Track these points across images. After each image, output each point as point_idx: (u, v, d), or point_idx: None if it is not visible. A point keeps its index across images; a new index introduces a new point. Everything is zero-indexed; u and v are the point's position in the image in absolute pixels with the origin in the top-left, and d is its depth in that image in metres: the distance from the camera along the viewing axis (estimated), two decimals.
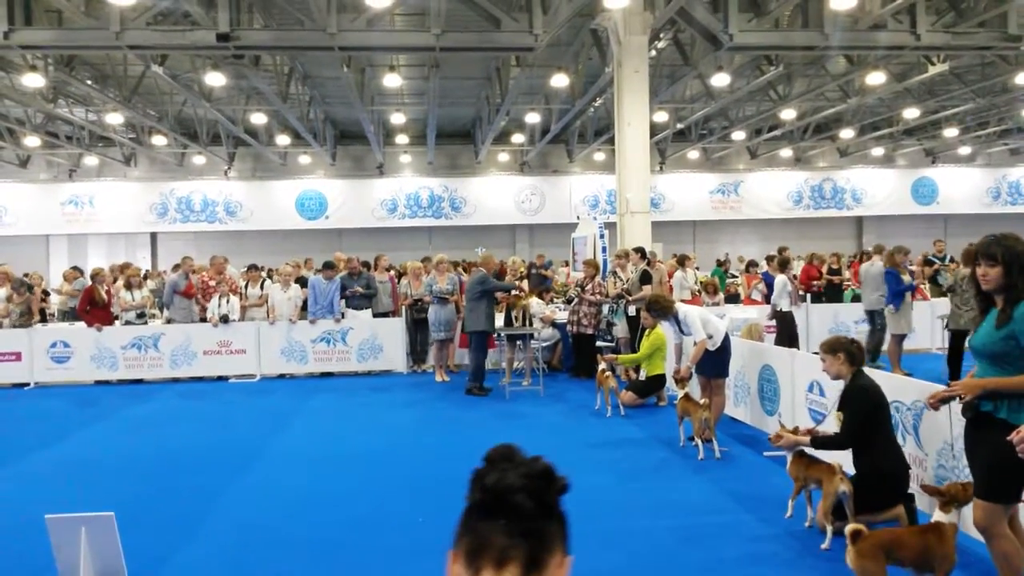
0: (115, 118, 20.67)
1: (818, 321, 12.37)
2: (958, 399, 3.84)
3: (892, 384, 5.20)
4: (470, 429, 8.46)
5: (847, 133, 25.47)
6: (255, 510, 5.87)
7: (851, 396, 4.93)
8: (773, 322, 12.09)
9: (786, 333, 11.70)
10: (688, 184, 28.97)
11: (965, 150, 28.95)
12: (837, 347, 5.03)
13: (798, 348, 10.91)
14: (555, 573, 1.23)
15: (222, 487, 6.43)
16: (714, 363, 7.41)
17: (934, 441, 4.95)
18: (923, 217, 29.00)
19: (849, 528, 3.93)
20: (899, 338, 11.06)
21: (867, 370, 5.06)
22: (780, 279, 12.05)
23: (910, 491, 4.85)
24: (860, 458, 4.90)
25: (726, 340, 7.47)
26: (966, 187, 29.79)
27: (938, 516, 3.93)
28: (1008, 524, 3.64)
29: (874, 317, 11.62)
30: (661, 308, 7.64)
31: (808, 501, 5.20)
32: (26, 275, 13.47)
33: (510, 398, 10.17)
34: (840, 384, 5.13)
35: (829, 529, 4.75)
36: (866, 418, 4.82)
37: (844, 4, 12.25)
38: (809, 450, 5.20)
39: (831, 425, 5.25)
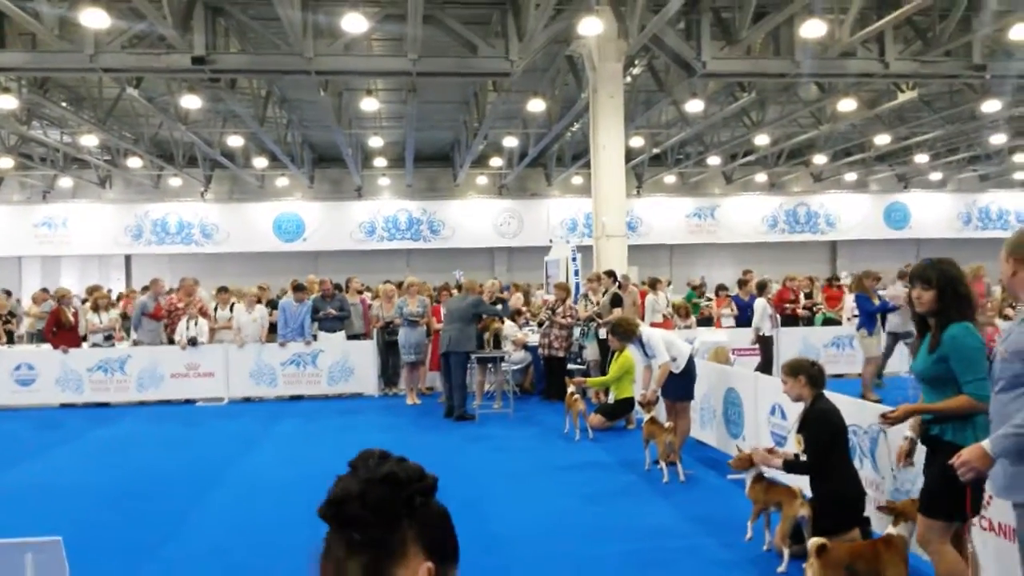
0: (90, 140, 20.57)
1: (787, 344, 12.44)
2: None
3: (849, 408, 5.23)
4: (438, 452, 8.39)
5: (820, 159, 25.81)
6: (215, 536, 5.78)
7: (813, 419, 4.95)
8: (756, 346, 12.15)
9: (768, 357, 11.77)
10: (665, 208, 29.19)
11: (936, 176, 29.40)
12: (798, 369, 5.06)
13: (771, 372, 10.99)
14: None
15: (183, 513, 6.33)
16: (679, 386, 7.42)
17: (889, 464, 4.97)
18: (896, 241, 29.35)
19: (813, 542, 3.98)
20: (872, 361, 11.10)
21: (826, 393, 5.09)
22: (760, 303, 12.12)
23: (866, 514, 4.86)
24: (819, 481, 4.91)
25: (691, 363, 7.48)
26: (938, 212, 30.23)
27: (890, 529, 3.98)
28: (954, 542, 3.67)
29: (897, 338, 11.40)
30: (624, 331, 7.65)
31: (767, 525, 5.20)
32: None
33: (480, 421, 10.12)
34: (800, 406, 5.15)
35: (786, 552, 4.75)
36: (829, 441, 4.84)
37: (814, 32, 12.49)
38: (768, 473, 5.21)
39: (791, 447, 5.26)
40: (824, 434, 4.84)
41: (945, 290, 3.64)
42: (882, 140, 22.59)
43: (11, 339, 13.25)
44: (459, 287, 12.62)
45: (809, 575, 3.90)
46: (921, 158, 25.63)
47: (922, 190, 30.41)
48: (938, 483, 3.57)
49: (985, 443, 3.08)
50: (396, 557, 1.17)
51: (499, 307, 11.43)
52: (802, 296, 14.18)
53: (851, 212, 30.00)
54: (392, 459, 1.28)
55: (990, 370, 3.31)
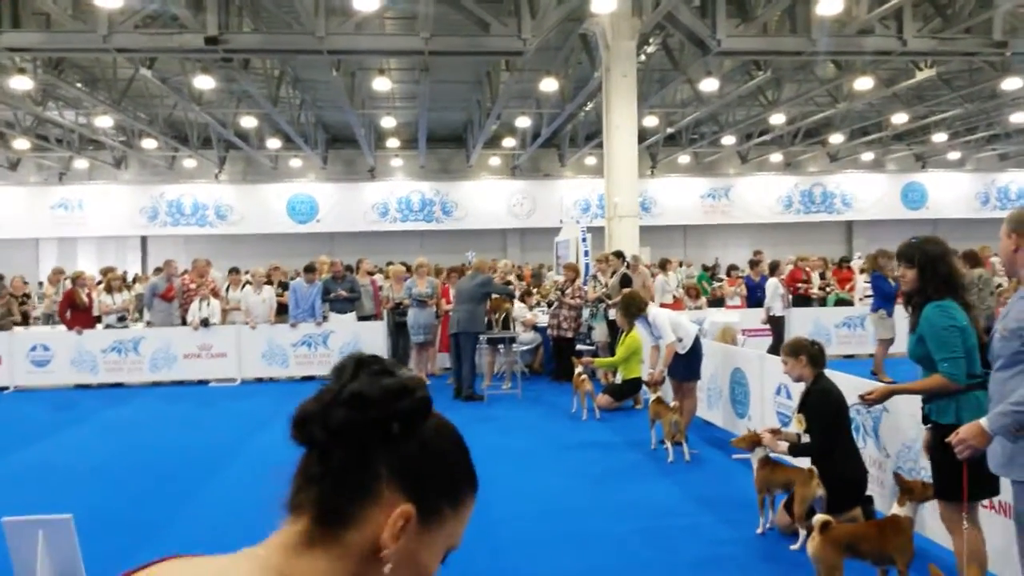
0: (105, 121, 20.68)
1: (799, 324, 12.37)
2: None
3: (853, 386, 5.19)
4: None
5: (837, 138, 25.53)
6: (223, 515, 5.84)
7: (815, 399, 4.93)
8: (767, 326, 12.11)
9: (777, 337, 11.71)
10: (678, 188, 29.02)
11: (954, 155, 29.04)
12: (799, 349, 5.03)
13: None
14: (376, 526, 0.94)
15: (192, 491, 6.41)
16: (685, 366, 7.40)
17: (894, 443, 4.96)
18: (913, 222, 28.97)
19: (818, 518, 3.98)
20: (886, 343, 11.01)
21: (829, 373, 5.06)
22: (772, 283, 12.07)
23: (868, 493, 4.84)
24: (821, 461, 4.89)
25: (697, 343, 7.45)
26: (955, 192, 29.88)
27: (895, 510, 3.95)
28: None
29: None
30: (633, 307, 7.63)
31: (771, 506, 5.19)
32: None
33: (488, 401, 10.16)
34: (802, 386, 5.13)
35: (802, 532, 4.70)
36: (832, 420, 4.83)
37: (831, 9, 12.29)
38: (773, 455, 5.20)
39: (793, 427, 5.24)
40: (827, 413, 4.82)
41: (925, 268, 3.65)
42: (900, 119, 22.33)
43: (27, 320, 13.38)
44: (462, 269, 12.64)
45: (810, 551, 3.91)
46: (939, 137, 25.28)
47: (940, 170, 30.05)
48: (936, 463, 3.57)
49: (983, 420, 3.07)
50: (362, 495, 0.95)
51: (510, 287, 11.41)
52: (816, 276, 14.07)
53: (867, 192, 29.71)
54: (378, 370, 1.00)
55: (989, 348, 3.29)
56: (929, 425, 3.72)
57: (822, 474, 4.83)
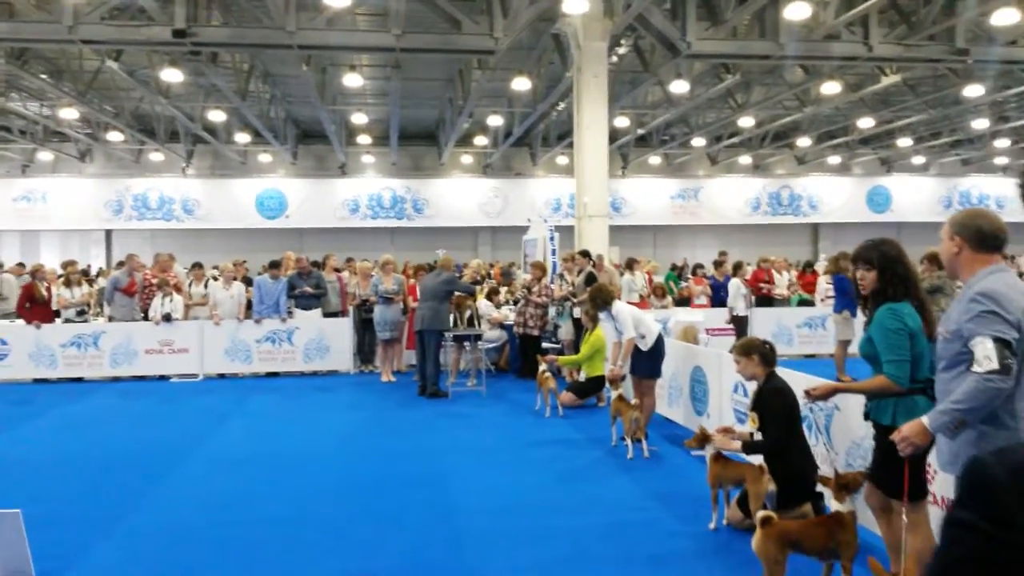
0: (70, 113, 20.32)
1: (761, 324, 12.53)
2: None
3: (804, 384, 5.27)
4: (409, 428, 8.45)
5: (804, 141, 25.83)
6: (177, 510, 5.79)
7: (769, 398, 4.99)
8: (731, 326, 12.24)
9: (740, 336, 11.83)
10: (649, 189, 29.19)
11: (919, 160, 29.52)
12: (751, 349, 5.10)
13: None
14: None
15: (147, 487, 6.34)
16: (646, 364, 7.45)
17: (844, 441, 5.04)
18: (877, 225, 29.43)
19: (760, 514, 4.02)
20: (844, 344, 11.19)
21: (778, 371, 5.13)
22: (734, 283, 12.19)
23: (819, 489, 4.91)
24: (773, 457, 4.96)
25: (659, 342, 7.52)
26: (919, 196, 30.37)
27: (835, 506, 4.01)
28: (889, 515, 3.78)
29: None
30: (600, 299, 7.70)
31: (726, 501, 5.25)
32: None
33: (453, 398, 10.16)
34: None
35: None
36: (786, 417, 4.89)
37: (799, 14, 12.44)
38: (725, 452, 5.26)
39: (748, 426, 5.31)
40: (780, 411, 4.88)
41: (885, 270, 3.71)
42: (866, 123, 22.64)
43: None
44: (432, 266, 12.62)
45: (753, 546, 3.96)
46: (904, 142, 25.70)
47: (905, 174, 30.54)
48: (876, 459, 3.65)
49: (924, 418, 3.14)
50: None
51: (474, 286, 11.40)
52: (784, 277, 14.22)
53: (834, 195, 30.11)
54: None
55: (934, 351, 3.37)
56: (870, 422, 3.81)
57: (773, 470, 4.90)
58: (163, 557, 4.87)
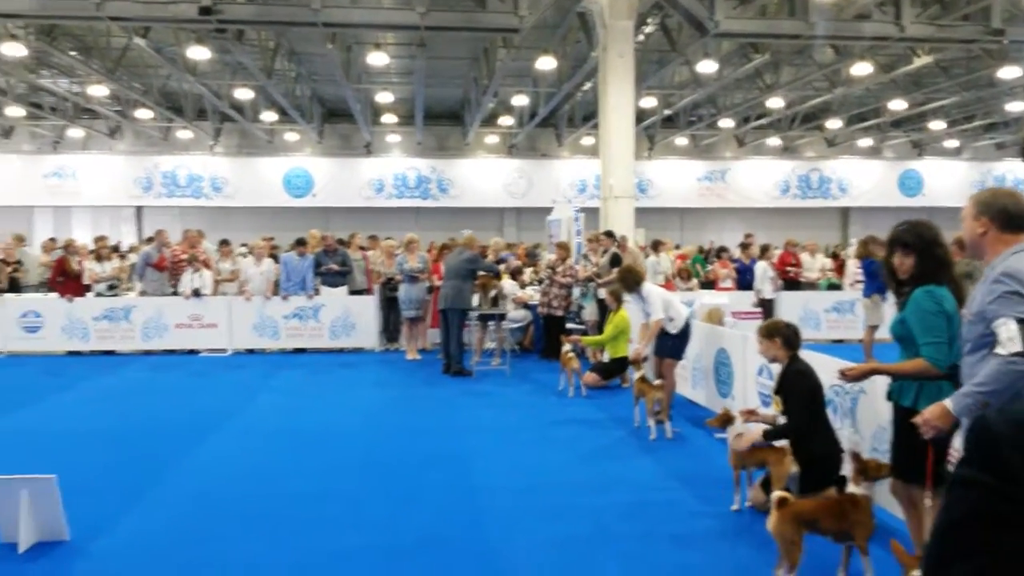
0: (99, 90, 20.48)
1: (788, 308, 12.44)
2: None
3: (831, 368, 5.24)
4: (433, 407, 8.52)
5: (834, 123, 25.45)
6: (205, 481, 5.91)
7: (792, 381, 4.98)
8: (759, 309, 12.16)
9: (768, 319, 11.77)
10: (675, 171, 28.96)
11: (952, 143, 28.99)
12: (774, 331, 5.08)
13: None
14: None
15: (176, 458, 6.47)
16: (671, 345, 7.47)
17: (870, 425, 5.02)
18: (908, 209, 29.01)
19: (776, 495, 4.03)
20: (873, 328, 11.09)
21: (802, 354, 5.10)
22: (761, 266, 12.11)
23: (842, 474, 4.90)
24: (797, 440, 4.95)
25: (687, 326, 7.55)
26: (952, 180, 29.83)
27: (851, 488, 4.02)
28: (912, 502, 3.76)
29: None
30: (631, 280, 7.74)
31: (748, 482, 5.26)
32: None
33: (477, 377, 10.22)
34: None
35: None
36: (809, 400, 4.88)
37: None
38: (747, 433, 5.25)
39: (772, 408, 5.30)
40: (804, 394, 4.87)
41: (923, 253, 3.66)
42: (897, 105, 22.25)
43: (16, 287, 13.37)
44: (453, 246, 12.65)
45: (769, 526, 3.97)
46: (937, 125, 25.23)
47: (937, 157, 30.02)
48: (896, 443, 3.64)
49: (947, 401, 3.11)
50: None
51: (499, 265, 11.39)
52: (819, 259, 14.10)
53: (864, 178, 29.68)
54: None
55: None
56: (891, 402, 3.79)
57: (796, 453, 4.89)
58: (191, 526, 4.98)
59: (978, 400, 2.95)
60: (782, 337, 5.01)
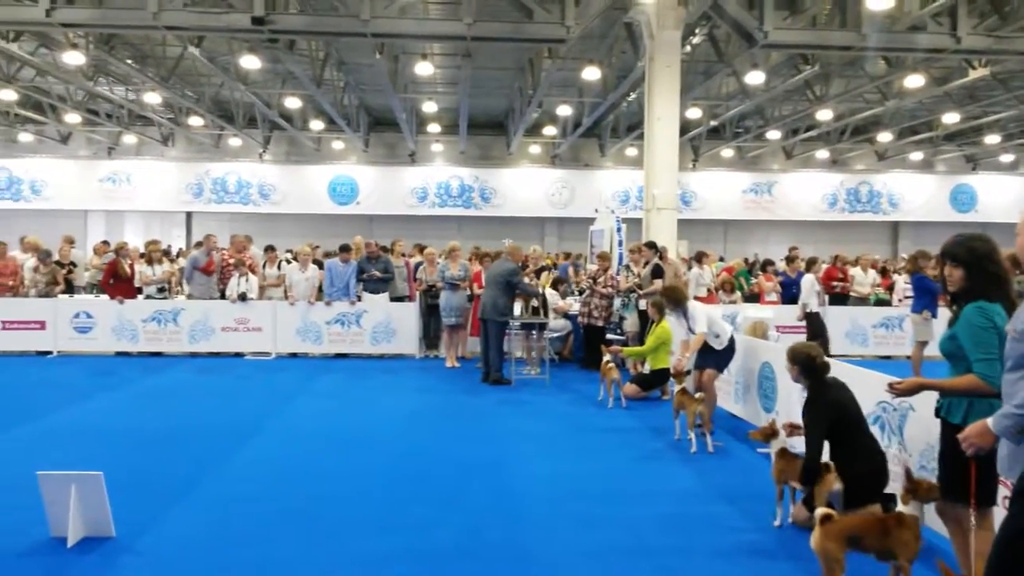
0: (153, 98, 21.09)
1: (835, 323, 12.21)
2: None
3: (878, 384, 5.12)
4: (471, 414, 8.53)
5: (885, 136, 25.00)
6: (247, 481, 5.98)
7: (806, 410, 4.94)
8: (802, 323, 11.96)
9: (814, 334, 11.57)
10: (721, 182, 28.71)
11: (1007, 158, 28.27)
12: (793, 358, 5.06)
13: (828, 349, 10.82)
14: None
15: (220, 458, 6.56)
16: (714, 359, 7.44)
17: (918, 442, 4.89)
18: (961, 225, 28.31)
19: (820, 511, 3.96)
20: (922, 345, 10.84)
21: (849, 370, 4.99)
22: (808, 279, 11.92)
23: (890, 491, 4.78)
24: (837, 457, 4.87)
25: (731, 342, 7.53)
26: (1007, 196, 29.08)
27: (901, 507, 3.92)
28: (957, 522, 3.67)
29: None
30: (674, 299, 7.80)
31: (791, 499, 5.15)
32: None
33: (516, 386, 10.21)
34: None
35: None
36: (829, 428, 4.80)
37: (882, 4, 12.02)
38: (792, 447, 5.17)
39: None
40: (815, 422, 4.81)
41: (972, 267, 3.57)
42: (951, 119, 21.80)
43: (71, 289, 13.75)
44: (487, 254, 12.71)
45: (812, 543, 3.88)
46: (992, 139, 24.64)
47: (991, 172, 29.29)
48: (944, 461, 3.56)
49: (989, 420, 3.03)
50: None
51: (535, 286, 11.27)
52: (871, 274, 13.85)
53: (915, 193, 29.10)
54: None
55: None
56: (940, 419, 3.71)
57: (839, 470, 4.79)
58: (231, 526, 5.04)
59: (1017, 423, 2.86)
60: (800, 365, 4.95)
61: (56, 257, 13.54)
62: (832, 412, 4.79)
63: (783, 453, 5.15)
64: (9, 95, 20.51)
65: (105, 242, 15.66)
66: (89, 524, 4.73)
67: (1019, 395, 2.85)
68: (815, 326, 11.69)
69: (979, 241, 3.66)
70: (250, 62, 16.71)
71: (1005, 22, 13.26)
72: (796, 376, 5.06)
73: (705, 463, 6.58)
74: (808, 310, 11.73)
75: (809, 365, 4.96)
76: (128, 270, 12.71)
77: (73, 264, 14.00)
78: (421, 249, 13.83)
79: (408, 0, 12.77)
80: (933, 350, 10.60)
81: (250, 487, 5.85)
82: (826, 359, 5.01)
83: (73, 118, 23.47)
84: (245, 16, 12.73)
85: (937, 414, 3.77)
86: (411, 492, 5.74)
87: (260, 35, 13.70)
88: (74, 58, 15.92)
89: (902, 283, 13.55)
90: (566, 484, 5.98)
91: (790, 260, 14.01)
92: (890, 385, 4.00)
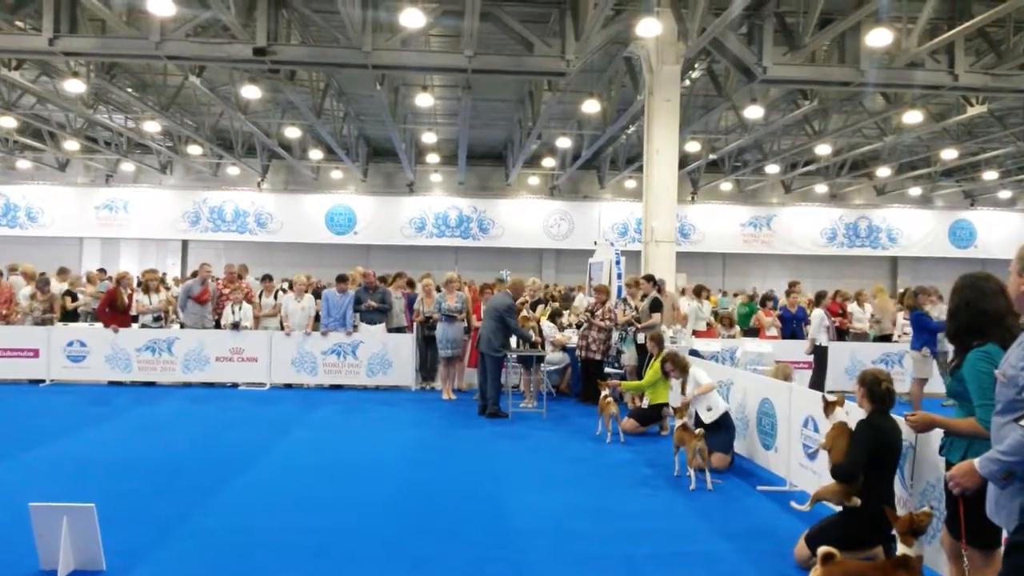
0: (153, 126, 21.17)
1: (835, 358, 12.11)
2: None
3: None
4: (468, 448, 8.40)
5: (884, 171, 25.12)
6: (240, 514, 5.86)
7: (857, 427, 4.83)
8: (809, 358, 11.89)
9: (821, 368, 11.52)
10: (719, 216, 28.78)
11: (1005, 194, 28.41)
12: (863, 380, 4.93)
13: (823, 385, 10.77)
14: None
15: (212, 489, 6.44)
16: (718, 440, 7.45)
17: (919, 481, 4.80)
18: (960, 260, 28.38)
19: (822, 550, 3.89)
20: (922, 382, 10.77)
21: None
22: (817, 313, 11.87)
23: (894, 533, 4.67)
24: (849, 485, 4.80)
25: (726, 418, 7.58)
26: (1006, 231, 29.16)
27: (903, 549, 3.83)
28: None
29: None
30: (681, 366, 8.04)
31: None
32: (43, 274, 13.73)
33: (513, 419, 10.08)
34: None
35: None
36: (865, 455, 4.70)
37: (880, 41, 12.13)
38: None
39: (822, 460, 5.12)
40: (863, 443, 4.71)
41: (971, 306, 3.60)
42: (949, 155, 21.92)
43: (75, 317, 13.67)
44: (494, 286, 12.61)
45: None
46: (990, 175, 24.77)
47: (990, 208, 29.41)
48: (947, 498, 3.62)
49: (976, 460, 3.02)
50: None
51: (528, 332, 11.17)
52: (868, 309, 13.81)
53: (914, 228, 29.19)
54: None
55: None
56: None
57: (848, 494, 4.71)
58: (226, 558, 4.94)
59: (1003, 467, 2.86)
60: (866, 388, 4.85)
61: (65, 287, 13.50)
62: (876, 441, 4.70)
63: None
64: (9, 122, 20.59)
65: (101, 270, 15.57)
66: (80, 557, 4.63)
67: (1006, 440, 2.82)
68: (822, 360, 11.61)
69: (978, 279, 3.67)
70: (251, 92, 16.79)
71: (1002, 60, 13.37)
72: (860, 400, 4.94)
73: (705, 500, 6.46)
74: (818, 343, 11.65)
75: (874, 389, 4.86)
76: (126, 300, 12.60)
77: (74, 294, 13.89)
78: (411, 284, 13.73)
79: (409, 33, 12.83)
80: (932, 387, 10.61)
81: (244, 520, 5.72)
82: (892, 388, 4.91)
83: (72, 145, 23.52)
84: (247, 47, 12.80)
85: (940, 452, 3.83)
86: (409, 526, 5.62)
87: (261, 66, 13.78)
88: (75, 86, 16.00)
89: (901, 318, 13.49)
90: (564, 520, 5.85)
91: (788, 294, 13.95)
92: (905, 417, 4.08)
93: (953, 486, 3.12)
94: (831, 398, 5.50)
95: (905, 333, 12.20)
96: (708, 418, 7.51)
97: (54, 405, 10.70)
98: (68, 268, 15.37)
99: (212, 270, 13.34)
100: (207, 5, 11.70)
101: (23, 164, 26.53)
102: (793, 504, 5.72)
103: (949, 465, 3.61)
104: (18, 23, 13.02)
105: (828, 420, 5.34)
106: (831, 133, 19.98)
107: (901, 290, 22.08)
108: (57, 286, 13.82)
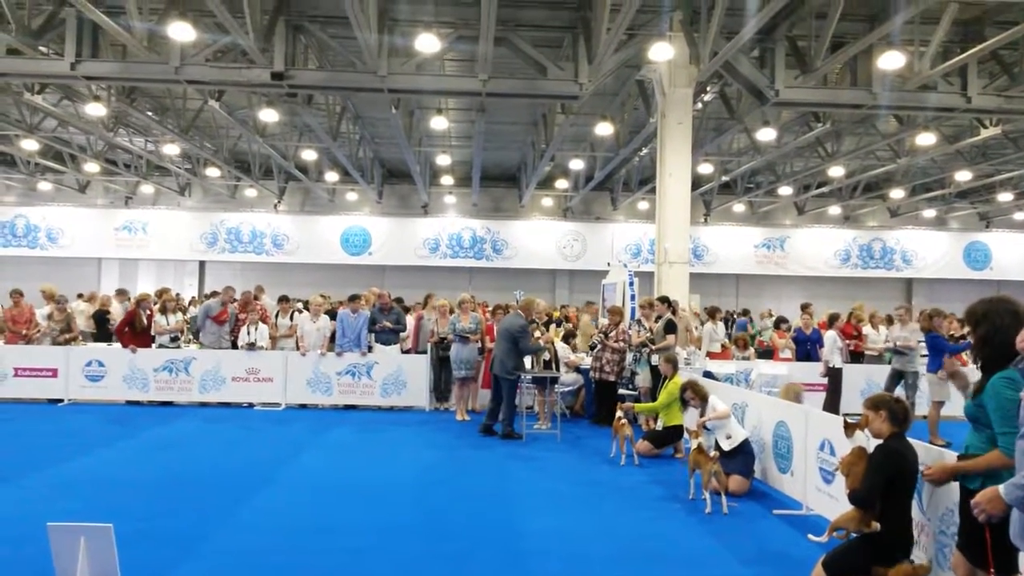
0: (172, 149, 21.47)
1: (850, 380, 12.06)
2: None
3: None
4: (481, 469, 8.42)
5: (897, 193, 25.06)
6: (257, 534, 5.91)
7: (874, 452, 4.79)
8: (824, 380, 11.85)
9: (836, 391, 11.48)
10: (733, 237, 28.77)
11: (1020, 215, 28.24)
12: (879, 403, 4.85)
13: (838, 408, 10.74)
14: None
15: (230, 509, 6.50)
16: (738, 464, 7.47)
17: (938, 507, 4.78)
18: (975, 282, 28.24)
19: None
20: (939, 404, 10.70)
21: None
22: (831, 335, 11.86)
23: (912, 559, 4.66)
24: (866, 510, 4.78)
25: (746, 445, 7.59)
26: (1021, 253, 29.00)
27: None
28: None
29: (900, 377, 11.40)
30: (701, 395, 8.12)
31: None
32: (80, 295, 13.94)
33: (527, 441, 10.09)
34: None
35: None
36: (882, 480, 4.67)
37: (892, 64, 12.19)
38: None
39: (839, 484, 5.10)
40: (878, 471, 4.67)
41: (987, 331, 3.59)
42: (963, 176, 21.86)
43: (109, 337, 13.86)
44: (507, 307, 12.67)
45: None
46: (1005, 196, 24.67)
47: (1005, 230, 29.25)
48: (963, 523, 3.54)
49: (1001, 487, 3.02)
50: None
51: (540, 348, 11.22)
52: (883, 331, 13.75)
53: (929, 249, 29.06)
54: None
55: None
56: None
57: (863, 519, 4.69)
58: None
59: None
60: (887, 411, 4.77)
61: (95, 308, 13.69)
62: (895, 467, 4.66)
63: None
64: (31, 145, 20.92)
65: (121, 291, 15.76)
66: None
67: None
68: (836, 382, 11.57)
69: (1005, 302, 3.65)
70: (268, 115, 17.02)
71: (1015, 82, 13.38)
72: (879, 426, 4.78)
73: (720, 524, 6.44)
74: (831, 365, 11.61)
75: (895, 409, 4.82)
76: (145, 321, 12.74)
77: (106, 313, 14.09)
78: (424, 303, 13.84)
79: (425, 57, 13.00)
80: (950, 410, 10.55)
81: (261, 540, 5.76)
82: (908, 410, 4.89)
83: (92, 167, 23.84)
84: (265, 71, 13.00)
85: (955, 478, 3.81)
86: (422, 548, 5.63)
87: (279, 90, 13.97)
88: (96, 110, 16.26)
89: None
90: (579, 544, 5.85)
91: (803, 316, 13.92)
92: (922, 473, 4.10)
93: (978, 513, 3.10)
94: (852, 420, 5.48)
95: (923, 356, 12.12)
96: (728, 446, 7.52)
97: (72, 424, 10.80)
98: (95, 292, 15.55)
99: (235, 293, 13.45)
100: (226, 31, 11.89)
101: (44, 186, 26.92)
102: (811, 537, 5.71)
103: (965, 490, 3.61)
104: (41, 48, 13.27)
105: (849, 442, 5.29)
106: (844, 155, 19.99)
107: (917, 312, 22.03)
108: (87, 308, 14.01)
